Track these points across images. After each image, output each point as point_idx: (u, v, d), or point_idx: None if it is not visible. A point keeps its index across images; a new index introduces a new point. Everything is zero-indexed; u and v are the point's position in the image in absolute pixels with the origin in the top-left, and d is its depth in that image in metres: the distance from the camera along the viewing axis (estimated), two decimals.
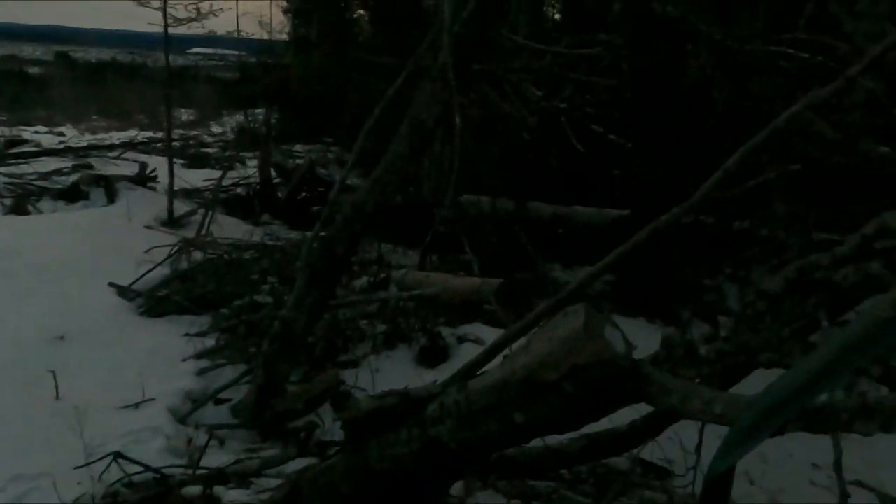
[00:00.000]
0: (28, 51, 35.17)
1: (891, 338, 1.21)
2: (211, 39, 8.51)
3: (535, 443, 2.25)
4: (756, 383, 1.65)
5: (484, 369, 2.17)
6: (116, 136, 15.60)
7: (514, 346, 2.11)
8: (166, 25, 7.38)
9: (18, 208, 7.16)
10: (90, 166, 10.06)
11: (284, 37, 18.46)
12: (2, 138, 12.76)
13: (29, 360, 3.59)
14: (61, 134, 15.93)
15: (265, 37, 19.25)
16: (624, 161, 6.60)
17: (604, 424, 2.16)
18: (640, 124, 6.45)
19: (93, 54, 30.69)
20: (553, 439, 2.27)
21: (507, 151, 6.79)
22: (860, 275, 1.56)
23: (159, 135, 15.09)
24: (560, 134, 6.30)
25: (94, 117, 19.68)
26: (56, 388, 3.23)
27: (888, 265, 1.56)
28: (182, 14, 7.55)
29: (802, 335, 1.67)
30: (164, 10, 7.27)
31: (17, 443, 2.86)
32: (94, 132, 17.06)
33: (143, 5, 7.19)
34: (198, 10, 7.70)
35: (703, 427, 2.17)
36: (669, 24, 5.48)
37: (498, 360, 2.18)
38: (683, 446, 2.54)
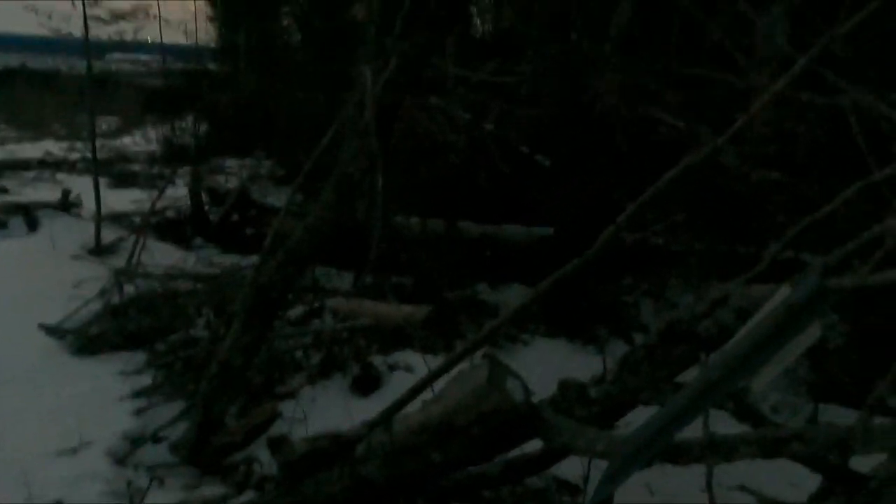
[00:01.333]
0: None
1: (734, 383, 1.51)
2: (131, 45, 8.32)
3: None
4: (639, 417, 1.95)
5: (408, 407, 2.41)
6: (30, 148, 14.78)
7: (439, 382, 2.36)
8: (86, 27, 7.00)
9: None
10: (5, 190, 9.70)
11: (210, 44, 18.12)
12: None
13: None
14: None
15: (190, 44, 18.78)
16: (547, 181, 6.95)
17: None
18: (558, 146, 6.81)
19: (4, 60, 29.05)
20: None
21: (437, 173, 7.03)
22: (716, 327, 1.86)
23: (77, 145, 14.60)
24: (487, 155, 6.63)
25: (2, 127, 18.80)
26: None
27: (738, 318, 1.86)
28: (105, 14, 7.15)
29: (673, 377, 1.98)
30: (83, 10, 6.90)
31: None
32: (2, 143, 16.17)
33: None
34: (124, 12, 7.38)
35: (590, 460, 2.46)
36: (582, 54, 5.86)
37: (421, 398, 2.43)
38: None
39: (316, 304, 5.16)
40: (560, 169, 6.85)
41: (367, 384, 4.21)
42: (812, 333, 1.25)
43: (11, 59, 26.09)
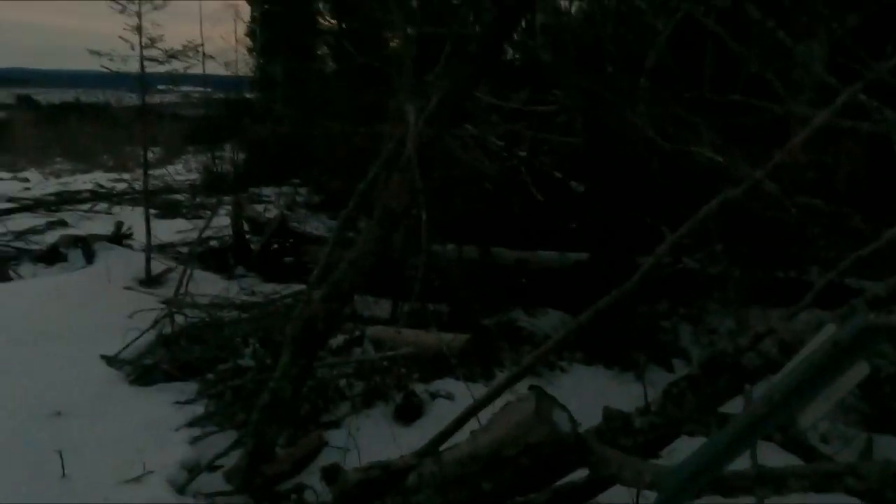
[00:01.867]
0: None
1: (781, 417, 1.56)
2: (176, 78, 8.68)
3: None
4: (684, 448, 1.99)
5: (455, 437, 2.49)
6: (82, 180, 15.57)
7: (484, 412, 2.43)
8: (143, 67, 7.33)
9: (2, 275, 7.25)
10: (64, 223, 10.13)
11: (249, 75, 18.64)
12: None
13: (30, 437, 3.76)
14: (25, 180, 15.80)
15: (230, 74, 19.30)
16: (581, 206, 7.01)
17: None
18: (592, 173, 6.88)
19: (56, 95, 30.35)
20: None
21: (471, 200, 7.14)
22: (761, 359, 1.92)
23: (125, 176, 15.13)
24: (521, 182, 6.73)
25: (58, 160, 19.60)
26: (62, 466, 3.40)
27: (782, 351, 1.91)
28: (159, 55, 7.49)
29: (716, 408, 2.03)
30: (141, 52, 7.25)
31: None
32: (58, 176, 16.95)
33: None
34: (176, 50, 7.70)
35: (638, 491, 2.50)
36: (616, 83, 5.94)
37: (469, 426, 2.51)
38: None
39: (356, 333, 5.27)
40: (594, 195, 6.92)
41: (409, 412, 4.29)
42: (860, 371, 1.29)
43: (66, 94, 27.26)
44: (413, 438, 3.86)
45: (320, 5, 16.14)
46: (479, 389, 4.03)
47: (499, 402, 2.42)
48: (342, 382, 4.55)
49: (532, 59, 8.14)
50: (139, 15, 7.17)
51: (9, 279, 7.20)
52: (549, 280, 6.79)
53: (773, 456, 1.77)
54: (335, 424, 4.17)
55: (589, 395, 4.38)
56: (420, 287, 5.15)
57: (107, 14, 7.32)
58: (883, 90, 2.71)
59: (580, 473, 2.46)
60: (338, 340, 5.20)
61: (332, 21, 15.55)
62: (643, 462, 1.91)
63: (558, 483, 2.59)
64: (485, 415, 2.48)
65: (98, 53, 7.12)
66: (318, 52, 16.44)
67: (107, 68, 7.35)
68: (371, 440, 3.99)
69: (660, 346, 5.67)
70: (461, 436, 2.51)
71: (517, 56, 9.20)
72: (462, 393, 4.27)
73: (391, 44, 11.14)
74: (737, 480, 1.64)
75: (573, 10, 8.60)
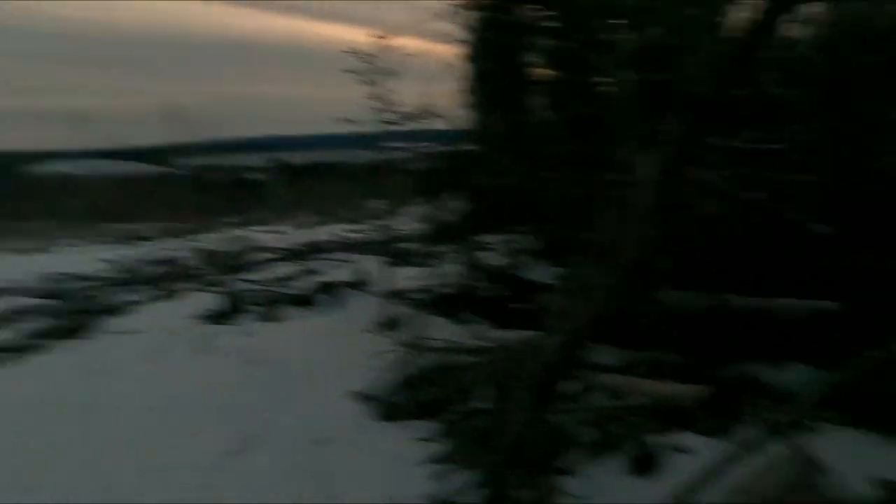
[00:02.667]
0: (243, 160, 39.83)
1: None
2: (404, 134, 9.63)
3: None
4: None
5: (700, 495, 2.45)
6: (323, 231, 17.43)
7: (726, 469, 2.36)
8: (379, 129, 8.26)
9: (270, 316, 8.34)
10: (314, 271, 11.39)
11: (468, 128, 19.72)
12: (242, 245, 14.76)
13: (299, 463, 4.30)
14: (280, 232, 18.01)
15: (451, 128, 20.53)
16: (827, 251, 6.45)
17: None
18: (841, 215, 6.32)
19: (303, 157, 34.54)
20: None
21: (705, 245, 6.89)
22: None
23: (360, 227, 16.81)
24: (757, 225, 6.37)
25: (305, 214, 22.16)
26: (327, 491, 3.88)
27: None
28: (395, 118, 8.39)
29: None
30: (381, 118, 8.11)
31: None
32: (305, 228, 19.09)
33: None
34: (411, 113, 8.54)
35: None
36: (867, 116, 5.47)
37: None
38: None
39: (589, 381, 5.29)
40: (843, 238, 6.33)
41: (645, 464, 4.21)
42: None
43: (308, 156, 31.03)
44: (649, 492, 3.80)
45: (535, 58, 16.69)
46: (719, 446, 3.86)
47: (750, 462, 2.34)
48: (575, 429, 4.59)
49: (763, 95, 7.75)
50: (378, 85, 8.07)
51: (276, 320, 8.25)
52: (792, 330, 6.29)
53: None
54: (568, 472, 4.21)
55: (848, 461, 4.00)
56: (655, 336, 5.08)
57: (340, 83, 8.38)
58: None
59: None
60: (570, 388, 5.25)
61: (548, 72, 15.98)
62: None
63: None
64: (734, 473, 2.40)
65: (349, 121, 8.07)
66: (536, 104, 16.88)
67: (351, 132, 8.34)
68: (604, 490, 3.99)
69: None
70: (710, 496, 2.45)
71: (746, 93, 8.81)
72: (701, 448, 4.12)
73: (608, 90, 11.20)
74: None
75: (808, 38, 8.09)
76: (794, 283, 6.71)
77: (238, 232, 17.74)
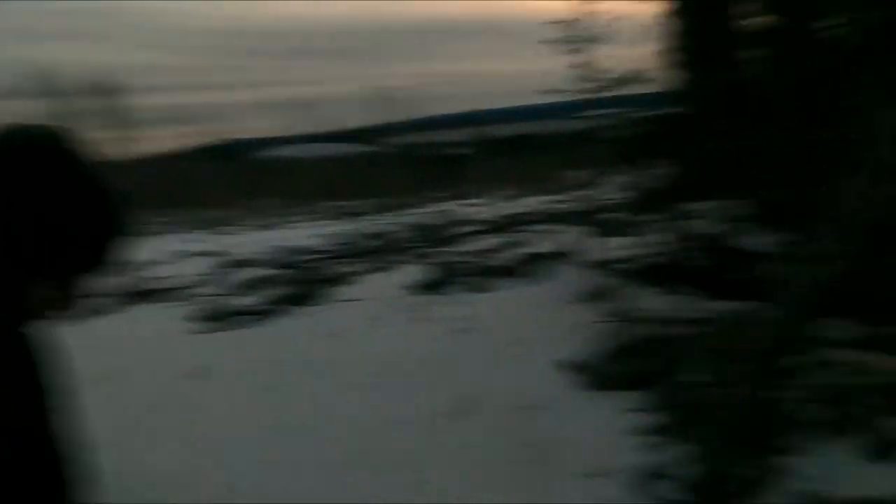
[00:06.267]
0: (447, 136, 40.87)
1: None
2: (609, 101, 9.34)
3: None
4: None
5: None
6: (526, 203, 17.41)
7: None
8: (586, 96, 8.12)
9: (479, 286, 8.68)
10: (518, 243, 11.49)
11: (670, 90, 18.60)
12: (447, 218, 15.35)
13: (510, 430, 4.47)
14: (483, 205, 18.40)
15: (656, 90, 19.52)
16: None
17: None
18: None
19: (505, 130, 34.94)
20: None
21: None
22: None
23: (565, 197, 16.59)
24: None
25: (509, 186, 22.49)
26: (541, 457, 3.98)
27: None
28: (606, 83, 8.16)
29: None
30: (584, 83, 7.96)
31: None
32: (508, 200, 19.37)
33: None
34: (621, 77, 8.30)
35: None
36: None
37: None
38: None
39: (821, 357, 4.88)
40: None
41: (883, 448, 3.82)
42: None
43: (513, 129, 31.44)
44: (884, 477, 3.49)
45: (748, 6, 15.30)
46: None
47: None
48: (803, 408, 4.27)
49: None
50: (582, 52, 7.90)
51: (484, 290, 8.49)
52: None
53: None
54: (794, 452, 3.94)
55: None
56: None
57: (541, 55, 8.24)
58: None
59: None
60: (800, 362, 4.88)
61: (764, 19, 14.60)
62: None
63: None
64: None
65: (552, 91, 8.02)
66: (752, 57, 15.56)
67: (553, 102, 8.27)
68: (835, 474, 3.68)
69: None
70: None
71: None
72: None
73: (843, 34, 10.00)
74: None
75: None
76: None
77: (444, 206, 18.47)
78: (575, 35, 7.89)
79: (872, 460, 3.85)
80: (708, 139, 14.20)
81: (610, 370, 5.10)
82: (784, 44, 12.22)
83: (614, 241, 10.98)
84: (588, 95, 8.39)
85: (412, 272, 9.64)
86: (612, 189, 17.86)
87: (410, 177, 28.09)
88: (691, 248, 8.89)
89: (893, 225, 3.34)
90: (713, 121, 14.90)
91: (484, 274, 9.22)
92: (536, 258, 9.17)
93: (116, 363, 6.27)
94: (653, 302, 7.02)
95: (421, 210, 18.62)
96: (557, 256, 9.34)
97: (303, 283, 9.88)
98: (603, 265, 8.85)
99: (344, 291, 9.24)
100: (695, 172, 14.79)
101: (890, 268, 5.52)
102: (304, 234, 15.02)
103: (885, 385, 4.39)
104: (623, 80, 8.22)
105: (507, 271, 9.19)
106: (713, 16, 15.56)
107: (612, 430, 4.31)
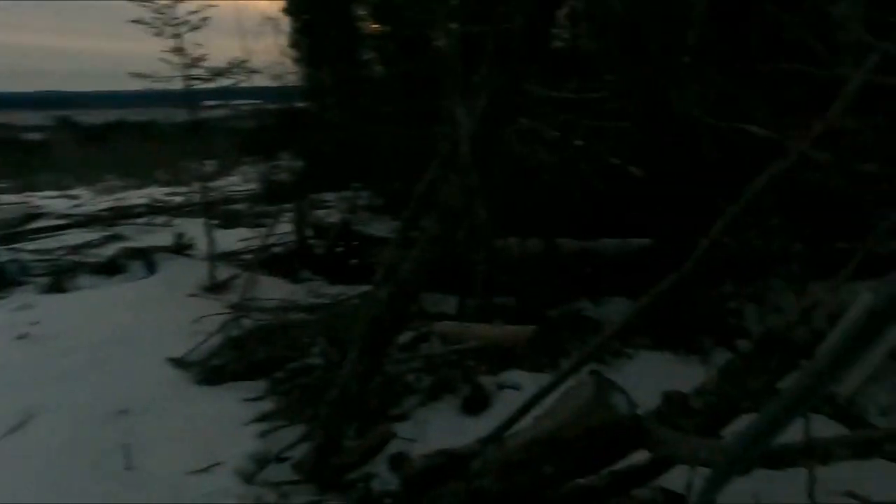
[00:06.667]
0: (24, 118, 33.96)
1: (825, 388, 1.57)
2: (223, 93, 8.90)
3: None
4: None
5: (520, 424, 2.56)
6: (136, 195, 15.82)
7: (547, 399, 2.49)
8: (188, 86, 7.55)
9: (58, 286, 7.51)
10: (121, 237, 10.43)
11: (298, 84, 18.75)
12: (23, 212, 12.93)
13: (95, 434, 3.96)
14: (76, 197, 15.95)
15: (278, 85, 19.40)
16: (641, 192, 6.95)
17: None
18: (649, 157, 6.80)
19: (98, 117, 30.49)
20: None
21: (531, 192, 7.17)
22: (810, 333, 1.92)
23: (181, 189, 15.56)
24: (580, 171, 6.72)
25: (108, 177, 19.97)
26: (127, 459, 3.61)
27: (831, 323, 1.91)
28: (204, 73, 7.64)
29: (772, 385, 2.04)
30: (184, 71, 7.42)
31: None
32: (110, 192, 17.19)
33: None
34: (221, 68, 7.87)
35: (693, 469, 2.51)
36: (660, 66, 5.86)
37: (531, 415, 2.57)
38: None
39: (423, 329, 5.38)
40: (654, 179, 6.84)
41: (477, 404, 4.36)
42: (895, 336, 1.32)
43: (108, 115, 27.90)
44: (480, 429, 3.91)
45: (362, 11, 16.24)
46: (546, 380, 4.07)
47: (562, 390, 2.47)
48: (410, 377, 4.66)
49: (578, 47, 8.11)
50: (179, 37, 7.30)
51: (64, 290, 7.42)
52: (614, 268, 6.76)
53: (823, 428, 1.77)
54: (404, 417, 4.29)
55: (654, 380, 4.35)
56: (484, 282, 5.25)
57: (144, 37, 7.46)
58: None
59: (642, 455, 2.49)
60: (406, 337, 5.31)
61: (376, 25, 15.67)
62: (698, 440, 1.94)
63: (619, 465, 2.63)
64: (548, 402, 2.53)
65: (141, 76, 7.32)
66: (365, 58, 16.53)
67: (161, 89, 7.56)
68: (439, 432, 4.08)
69: (725, 329, 5.60)
70: (526, 423, 2.57)
71: (564, 45, 9.18)
72: (528, 384, 4.32)
73: (437, 44, 11.22)
74: (785, 453, 1.66)
75: None
76: (616, 223, 7.20)
77: (15, 197, 15.55)
78: (174, 19, 7.25)
79: (468, 414, 4.37)
80: (328, 133, 14.76)
81: (225, 363, 4.92)
82: (390, 48, 13.28)
83: (238, 234, 10.77)
84: (197, 84, 7.84)
85: None
86: (235, 181, 17.48)
87: None
88: (316, 237, 9.17)
89: (474, 210, 3.77)
90: (332, 115, 15.53)
91: (68, 272, 8.04)
92: (144, 253, 8.29)
93: None
94: (277, 291, 7.02)
95: None
96: (172, 250, 8.71)
97: None
98: (225, 257, 8.58)
99: None
100: (318, 165, 15.26)
101: (477, 248, 6.36)
102: None
103: (478, 349, 5.03)
104: (232, 70, 7.92)
105: (105, 268, 8.15)
106: (332, 16, 16.16)
107: (224, 423, 4.15)
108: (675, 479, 2.83)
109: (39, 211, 13.26)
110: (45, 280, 7.84)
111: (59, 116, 29.07)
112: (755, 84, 5.04)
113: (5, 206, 13.40)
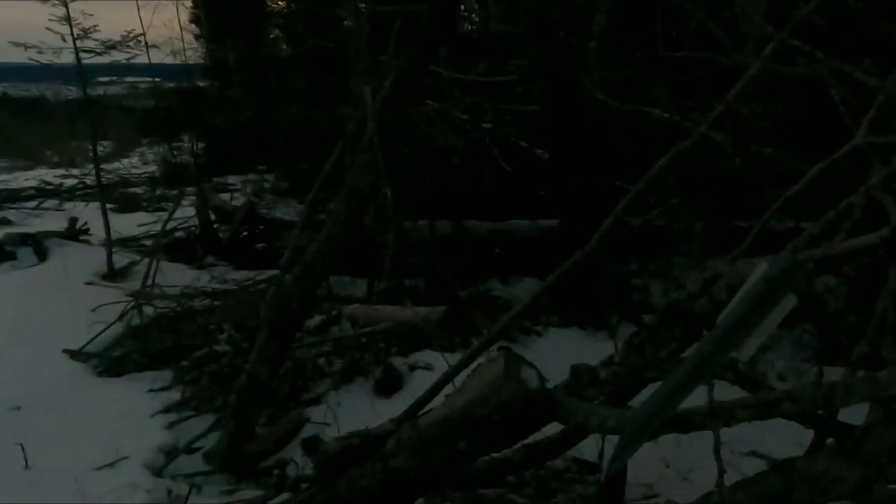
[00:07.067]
0: None
1: (725, 355, 1.66)
2: (119, 68, 8.30)
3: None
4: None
5: (432, 403, 2.57)
6: (24, 177, 14.70)
7: (459, 377, 2.51)
8: (79, 59, 7.05)
9: None
10: (8, 221, 9.75)
11: (199, 62, 17.86)
12: None
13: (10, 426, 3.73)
14: None
15: (178, 62, 18.47)
16: (548, 174, 7.10)
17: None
18: (556, 140, 6.95)
19: None
20: None
21: (440, 175, 7.19)
22: (711, 304, 2.01)
23: (73, 171, 14.60)
24: (488, 153, 6.78)
25: None
26: (25, 458, 3.39)
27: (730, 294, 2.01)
28: (96, 46, 7.10)
29: (676, 354, 2.13)
30: (74, 44, 6.92)
31: None
32: None
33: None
34: (115, 41, 7.35)
35: (603, 437, 2.61)
36: (567, 51, 5.98)
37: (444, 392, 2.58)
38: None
39: (333, 313, 5.32)
40: (560, 161, 6.99)
41: (389, 385, 4.36)
42: (788, 303, 1.41)
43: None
44: (393, 410, 3.89)
45: None
46: (457, 359, 4.10)
47: (473, 367, 2.50)
48: (321, 361, 4.60)
49: (488, 30, 8.15)
50: (66, 4, 6.76)
51: None
52: (522, 249, 6.89)
53: (726, 393, 1.86)
54: (316, 402, 4.23)
55: (564, 355, 4.46)
56: (393, 264, 5.23)
57: (29, 3, 6.85)
58: (817, 34, 2.80)
59: (555, 428, 2.56)
60: (315, 321, 5.23)
61: (282, 2, 15.21)
62: (607, 409, 2.01)
63: (533, 438, 2.69)
64: (460, 380, 2.56)
65: (24, 45, 6.74)
66: (270, 36, 16.03)
67: (36, 61, 6.99)
68: (352, 414, 4.05)
69: (631, 304, 5.81)
70: (438, 402, 2.59)
71: (474, 28, 9.22)
72: (440, 364, 4.33)
73: (344, 23, 11.03)
74: (690, 417, 1.73)
75: None
76: (523, 204, 7.32)
77: None
78: None
79: (380, 395, 4.35)
80: (230, 113, 14.25)
81: (127, 353, 4.70)
82: (297, 25, 12.93)
83: (135, 217, 10.28)
84: (91, 59, 7.32)
85: None
86: (131, 162, 16.62)
87: None
88: (220, 221, 8.86)
89: (379, 191, 3.73)
90: (235, 95, 14.99)
91: None
92: (32, 238, 7.72)
93: None
94: (180, 277, 6.75)
95: None
96: (64, 235, 8.19)
97: None
98: (122, 243, 8.18)
99: None
100: (221, 146, 14.74)
101: (387, 230, 6.32)
102: None
103: (389, 331, 5.00)
104: (125, 44, 7.43)
105: None
106: None
107: (128, 416, 3.96)
108: (587, 448, 2.94)
109: None
110: None
111: None
112: (659, 70, 5.22)
113: None
